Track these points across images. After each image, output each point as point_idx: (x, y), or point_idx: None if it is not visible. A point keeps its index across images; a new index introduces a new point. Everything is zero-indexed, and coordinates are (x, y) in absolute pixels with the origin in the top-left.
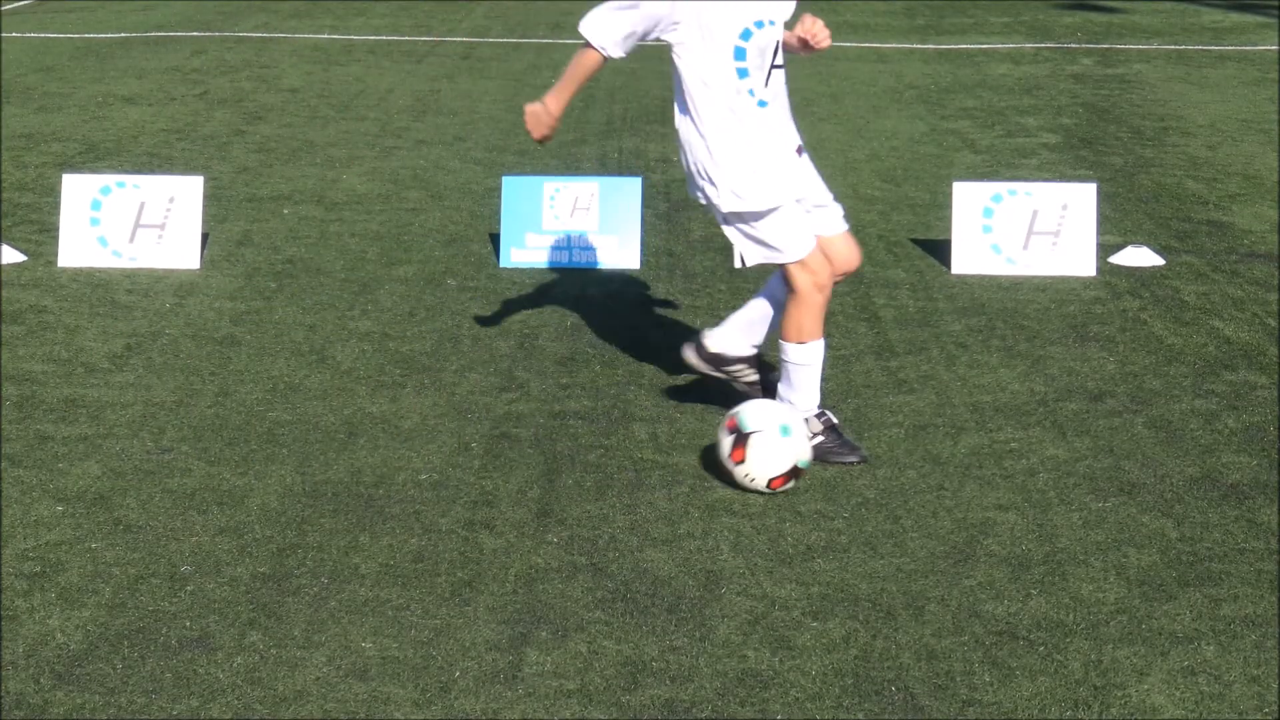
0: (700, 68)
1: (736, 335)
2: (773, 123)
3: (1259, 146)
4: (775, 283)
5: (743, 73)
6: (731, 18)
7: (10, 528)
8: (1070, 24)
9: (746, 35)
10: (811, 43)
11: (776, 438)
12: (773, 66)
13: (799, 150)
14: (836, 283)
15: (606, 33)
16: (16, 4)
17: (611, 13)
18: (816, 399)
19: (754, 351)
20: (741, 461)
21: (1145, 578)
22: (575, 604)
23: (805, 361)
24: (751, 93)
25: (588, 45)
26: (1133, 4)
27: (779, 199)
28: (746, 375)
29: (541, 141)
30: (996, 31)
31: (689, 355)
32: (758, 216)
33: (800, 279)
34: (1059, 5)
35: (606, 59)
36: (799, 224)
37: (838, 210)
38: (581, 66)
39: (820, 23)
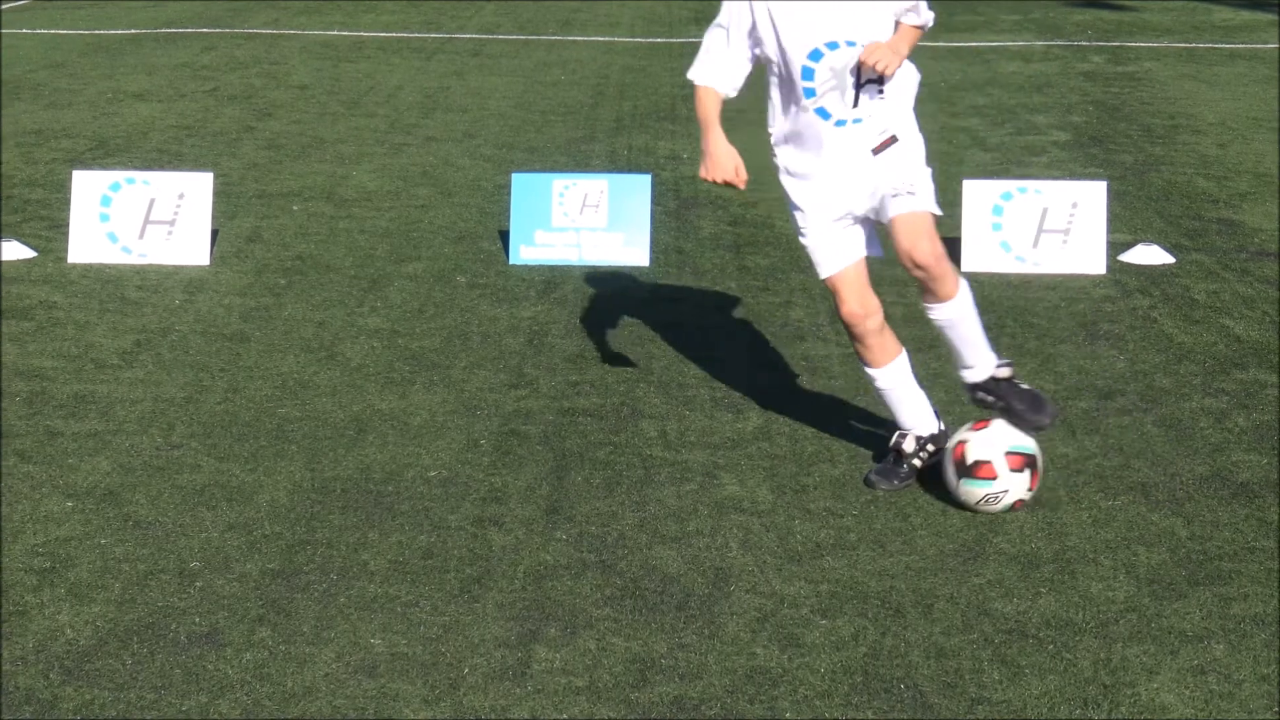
0: (772, 80)
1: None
2: (842, 142)
3: (1269, 145)
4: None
5: (809, 92)
6: (801, 37)
7: (20, 523)
8: (1080, 22)
9: (816, 56)
10: (874, 68)
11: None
12: (859, 86)
13: (878, 149)
14: (917, 276)
15: (704, 67)
16: (16, 2)
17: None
18: (916, 420)
19: (985, 373)
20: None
21: (1155, 576)
22: (584, 601)
23: (882, 386)
24: (825, 113)
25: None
26: (1143, 2)
27: (805, 223)
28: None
29: (730, 184)
30: (1007, 29)
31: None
32: (799, 231)
33: (836, 302)
34: (1069, 3)
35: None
36: (825, 244)
37: (908, 198)
38: (702, 104)
39: (880, 50)
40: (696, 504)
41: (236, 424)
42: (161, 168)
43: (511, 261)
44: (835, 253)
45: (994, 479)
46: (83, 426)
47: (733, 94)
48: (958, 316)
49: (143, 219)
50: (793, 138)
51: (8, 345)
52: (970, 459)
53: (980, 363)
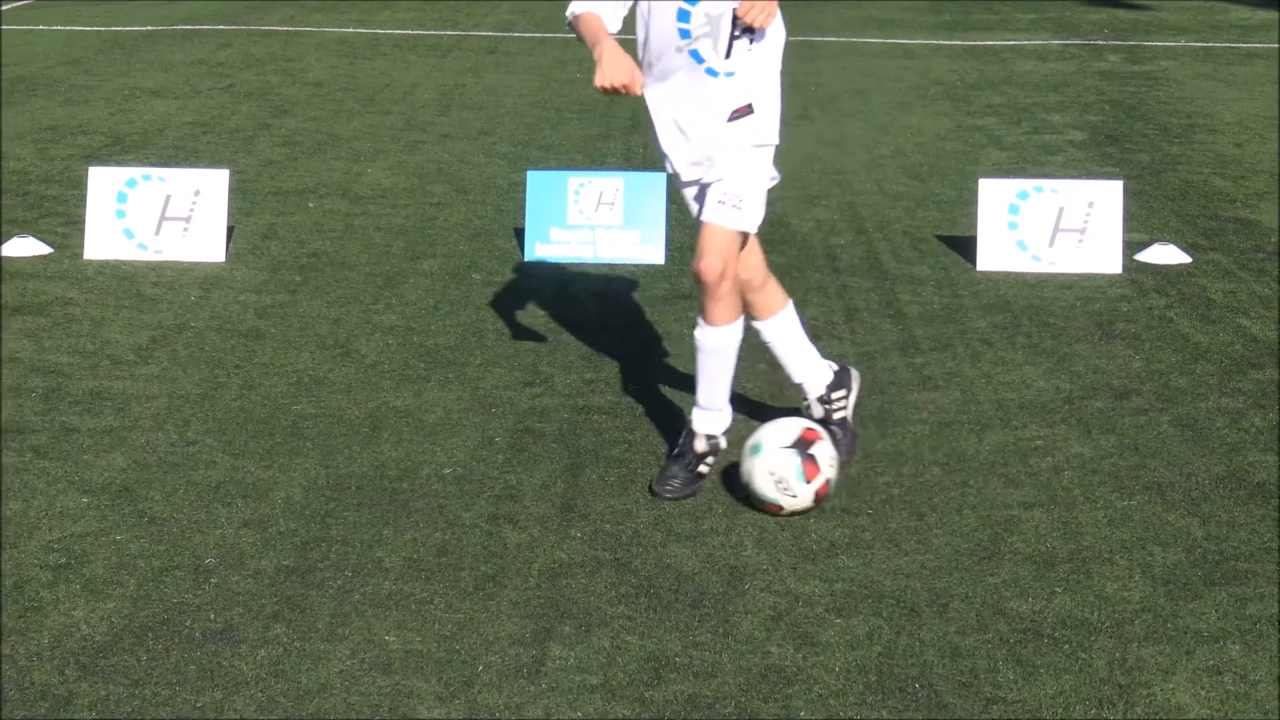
0: (649, 17)
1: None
2: (709, 91)
3: None
4: None
5: (684, 34)
6: None
7: (35, 519)
8: (1097, 21)
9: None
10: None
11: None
12: (733, 35)
13: (733, 116)
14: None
15: None
16: (23, 0)
17: None
18: (713, 399)
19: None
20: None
21: (1171, 576)
22: (598, 599)
23: (701, 342)
24: (698, 57)
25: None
26: (1160, 1)
27: (671, 168)
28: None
29: (626, 89)
30: (1023, 28)
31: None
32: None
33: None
34: (1086, 2)
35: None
36: (686, 198)
37: (731, 210)
38: (588, 25)
39: (755, 6)
40: (711, 502)
41: (252, 420)
42: (177, 164)
43: (527, 259)
44: (692, 206)
45: (814, 477)
46: (98, 423)
47: (614, 30)
48: (713, 348)
49: (159, 215)
50: (662, 77)
51: (24, 341)
52: (812, 449)
53: (709, 407)
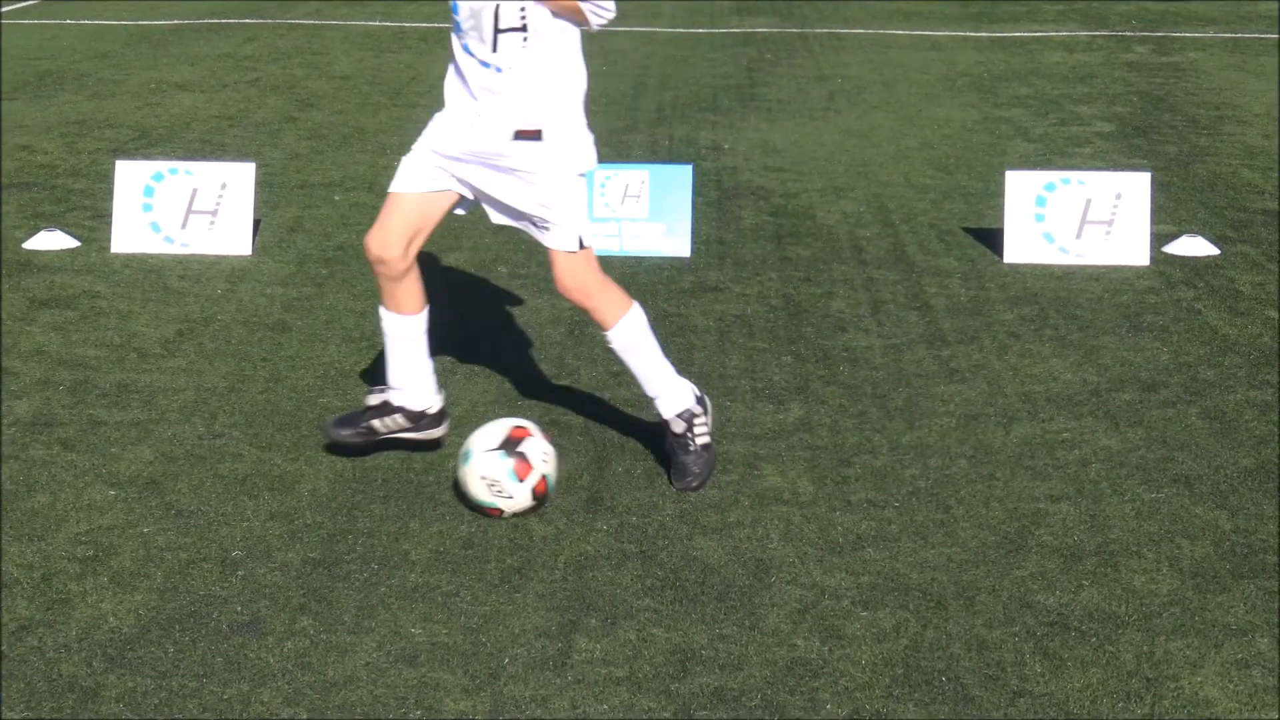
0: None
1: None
2: (484, 83)
3: None
4: None
5: (457, 26)
6: None
7: (63, 512)
8: (1125, 12)
9: None
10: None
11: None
12: (498, 31)
13: (520, 135)
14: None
15: None
16: (26, 2)
17: None
18: (405, 380)
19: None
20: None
21: (1199, 569)
22: (625, 592)
23: (387, 330)
24: (469, 50)
25: None
26: None
27: (417, 143)
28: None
29: None
30: (1050, 19)
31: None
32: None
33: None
34: None
35: None
36: (412, 166)
37: (544, 232)
38: None
39: None
40: (737, 495)
41: (278, 413)
42: (204, 158)
43: None
44: (413, 177)
45: (547, 478)
46: (125, 416)
47: None
48: (620, 347)
49: (185, 209)
50: (452, 63)
51: (52, 335)
52: (520, 447)
53: (660, 396)
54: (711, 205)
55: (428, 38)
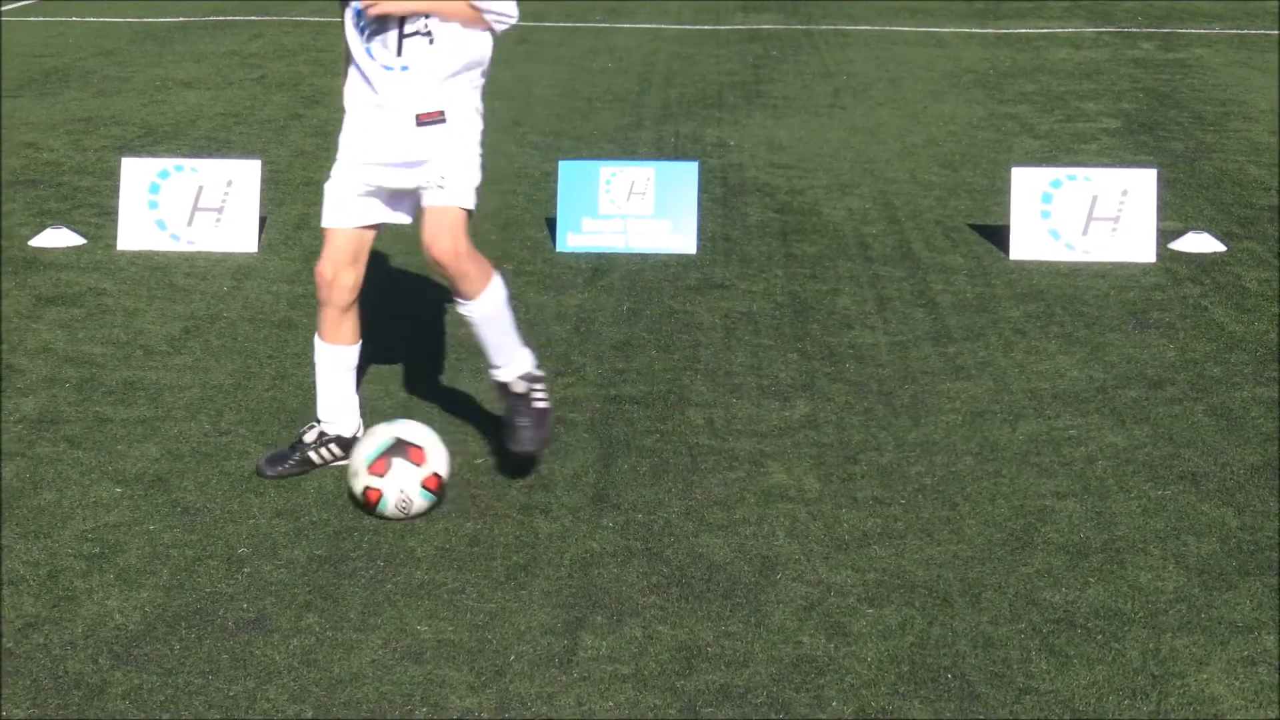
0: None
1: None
2: (389, 87)
3: None
4: None
5: (361, 30)
6: None
7: (69, 509)
8: (1130, 8)
9: None
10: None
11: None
12: (403, 36)
13: (423, 120)
14: (438, 270)
15: None
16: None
17: None
18: (333, 412)
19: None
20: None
21: (1205, 566)
22: (630, 589)
23: (319, 360)
24: (373, 55)
25: None
26: None
27: (335, 168)
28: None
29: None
30: (1056, 16)
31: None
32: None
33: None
34: None
35: None
36: (339, 195)
37: (437, 190)
38: None
39: None
40: (743, 492)
41: (284, 410)
42: (210, 155)
43: (558, 249)
44: (343, 209)
45: (383, 495)
46: (132, 413)
47: None
48: (480, 317)
49: (191, 206)
50: (354, 72)
51: (58, 332)
52: (361, 496)
53: (507, 364)
54: (717, 202)
55: None
